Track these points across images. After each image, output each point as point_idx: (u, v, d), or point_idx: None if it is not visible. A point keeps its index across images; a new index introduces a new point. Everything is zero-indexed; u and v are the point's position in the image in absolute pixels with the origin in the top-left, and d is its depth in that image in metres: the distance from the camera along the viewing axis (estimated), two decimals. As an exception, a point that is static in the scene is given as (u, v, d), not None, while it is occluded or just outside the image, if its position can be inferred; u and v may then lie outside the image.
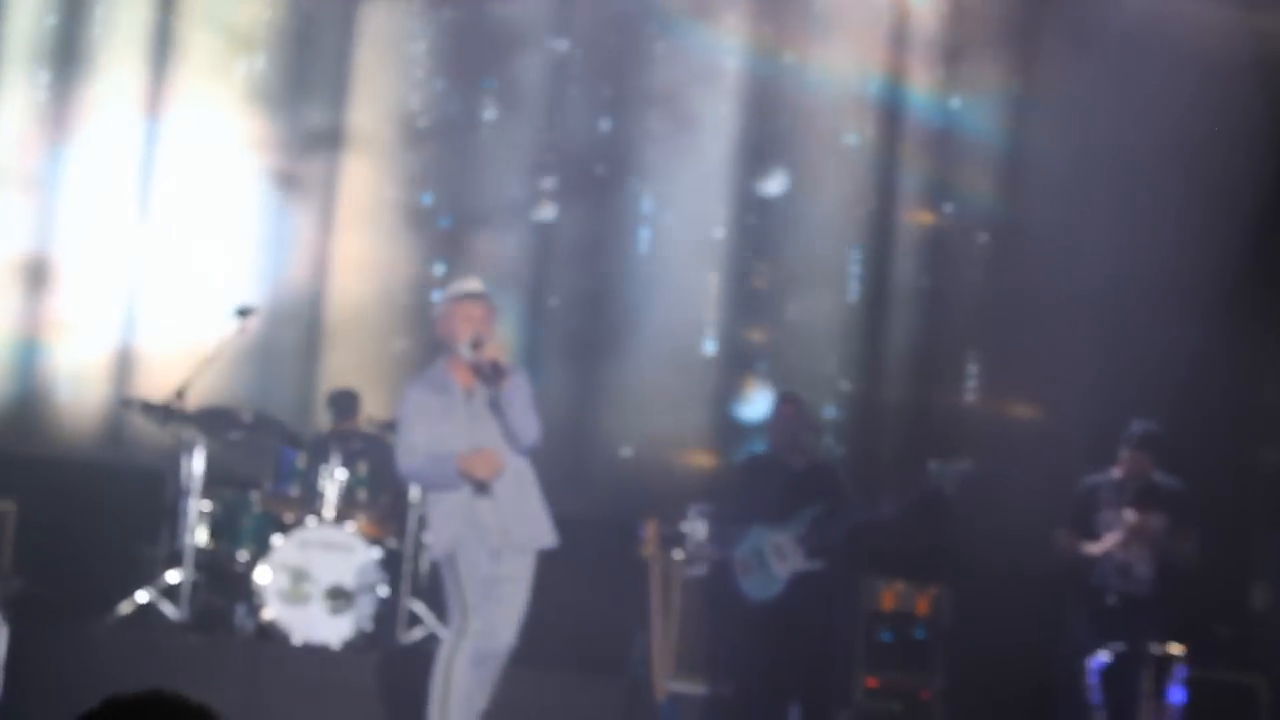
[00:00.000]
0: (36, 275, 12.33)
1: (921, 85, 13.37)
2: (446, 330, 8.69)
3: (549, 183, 13.28)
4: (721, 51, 13.03)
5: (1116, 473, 10.23)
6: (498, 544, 8.48)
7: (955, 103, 13.34)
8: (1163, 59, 11.86)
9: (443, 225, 13.14)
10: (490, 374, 8.45)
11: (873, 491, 10.68)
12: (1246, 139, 11.89)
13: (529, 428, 8.59)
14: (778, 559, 10.15)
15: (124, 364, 12.37)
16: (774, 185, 13.29)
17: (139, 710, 3.14)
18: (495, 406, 8.50)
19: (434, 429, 8.58)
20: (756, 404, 12.20)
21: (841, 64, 13.30)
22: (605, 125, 13.37)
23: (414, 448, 8.68)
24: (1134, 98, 11.88)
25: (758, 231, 13.39)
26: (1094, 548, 10.12)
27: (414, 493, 10.81)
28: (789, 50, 13.26)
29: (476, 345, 8.47)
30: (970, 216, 13.30)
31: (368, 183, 12.89)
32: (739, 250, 13.28)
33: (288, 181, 12.91)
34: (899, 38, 13.36)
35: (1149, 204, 11.85)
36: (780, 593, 10.17)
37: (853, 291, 13.41)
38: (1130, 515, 10.07)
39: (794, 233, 13.18)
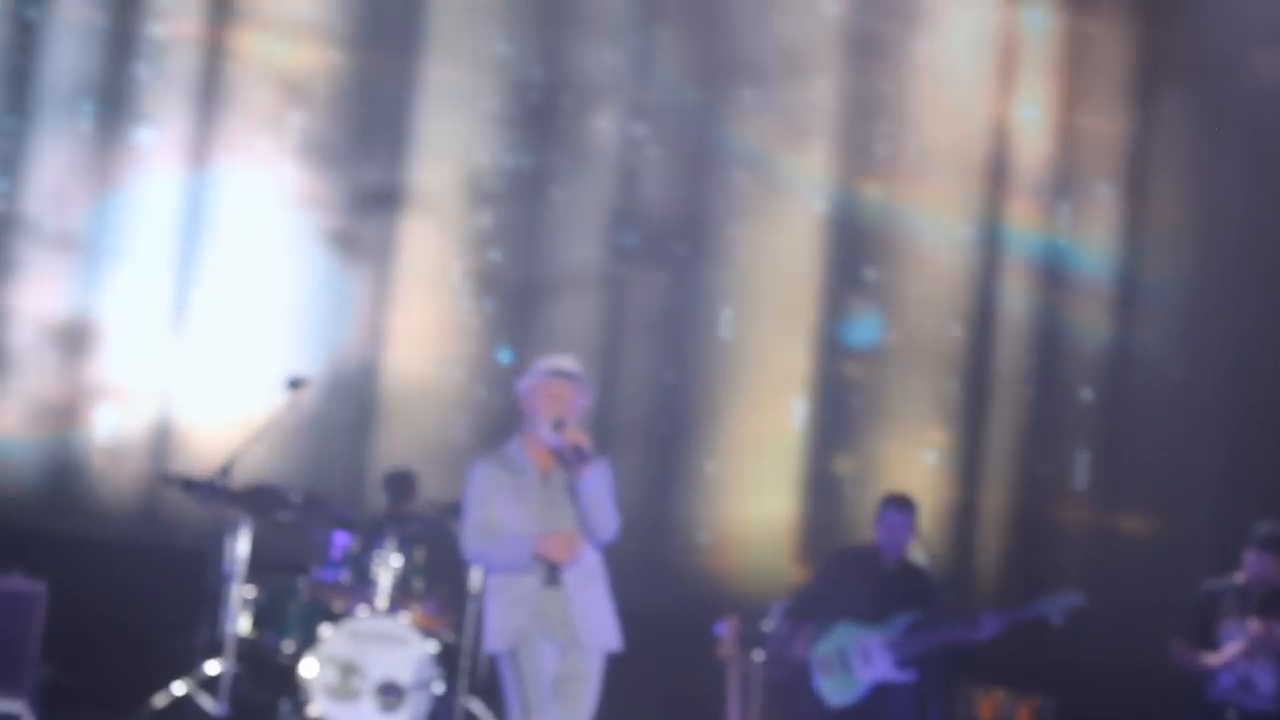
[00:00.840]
0: (75, 339, 12.21)
1: (1023, 220, 13.49)
2: (530, 407, 8.30)
3: (624, 249, 13.04)
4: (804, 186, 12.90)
5: (1240, 578, 9.90)
6: (564, 639, 8.06)
7: (1062, 240, 13.53)
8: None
9: (508, 293, 13.04)
10: (572, 458, 8.09)
11: (971, 607, 10.51)
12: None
13: (608, 519, 8.22)
14: (862, 662, 9.94)
15: (165, 436, 12.28)
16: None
17: None
18: (573, 493, 8.12)
19: (505, 510, 8.23)
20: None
21: (935, 198, 13.20)
22: (684, 191, 13.07)
23: (483, 526, 8.29)
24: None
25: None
26: (1214, 658, 9.74)
27: (475, 582, 10.70)
28: (875, 183, 13.22)
29: (559, 427, 8.13)
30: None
31: (428, 246, 12.79)
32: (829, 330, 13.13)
33: (344, 243, 12.81)
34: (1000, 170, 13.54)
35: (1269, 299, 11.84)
36: (860, 699, 9.96)
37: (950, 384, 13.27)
38: (1255, 624, 9.66)
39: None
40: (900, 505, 10.35)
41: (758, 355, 13.30)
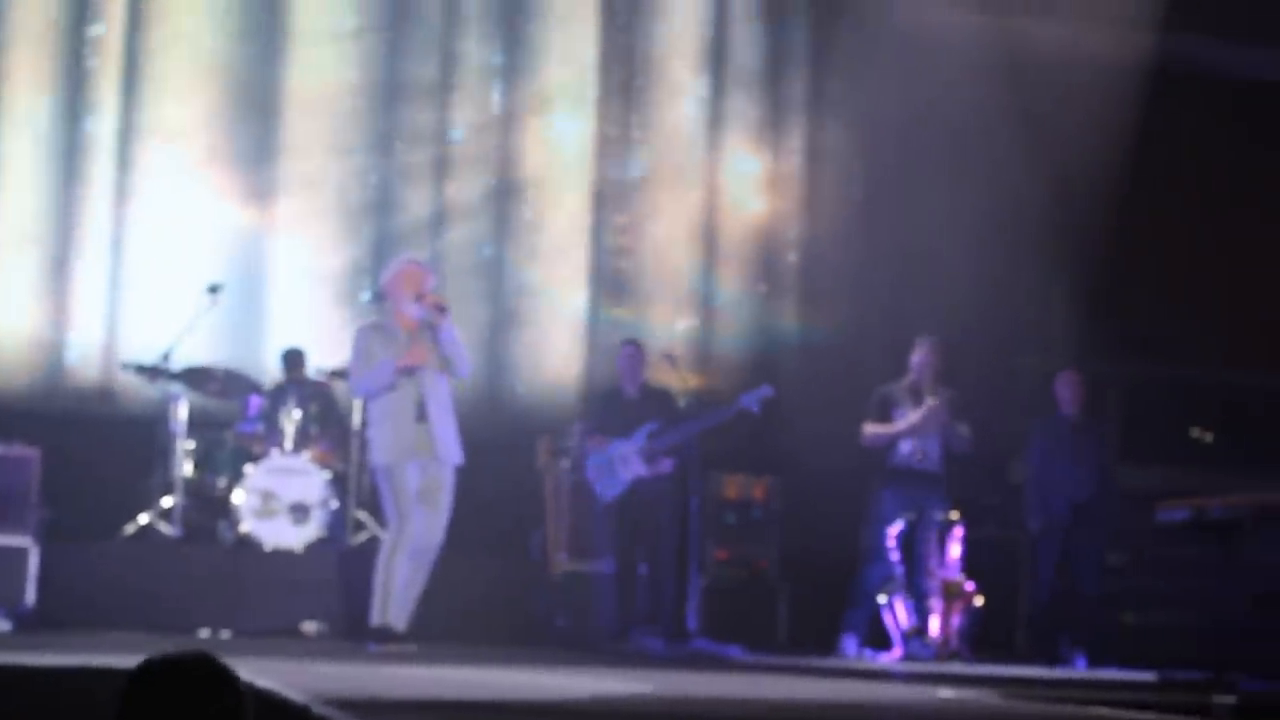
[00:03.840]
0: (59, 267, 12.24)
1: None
2: (393, 290, 9.49)
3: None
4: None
5: (906, 380, 11.09)
6: (425, 458, 9.20)
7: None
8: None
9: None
10: (433, 314, 9.23)
11: (698, 412, 11.12)
12: (1004, 124, 12.54)
13: (463, 359, 9.39)
14: (622, 465, 10.77)
15: (117, 335, 12.31)
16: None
17: (173, 671, 3.24)
18: (435, 337, 9.23)
19: (383, 355, 9.28)
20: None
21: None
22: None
23: (362, 369, 9.38)
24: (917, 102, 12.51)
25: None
26: (898, 426, 10.86)
27: (357, 424, 11.28)
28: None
29: (420, 298, 9.33)
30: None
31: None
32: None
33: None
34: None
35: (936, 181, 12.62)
36: (623, 492, 10.82)
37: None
38: (930, 400, 10.86)
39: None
40: (631, 344, 11.28)
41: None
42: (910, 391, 11.00)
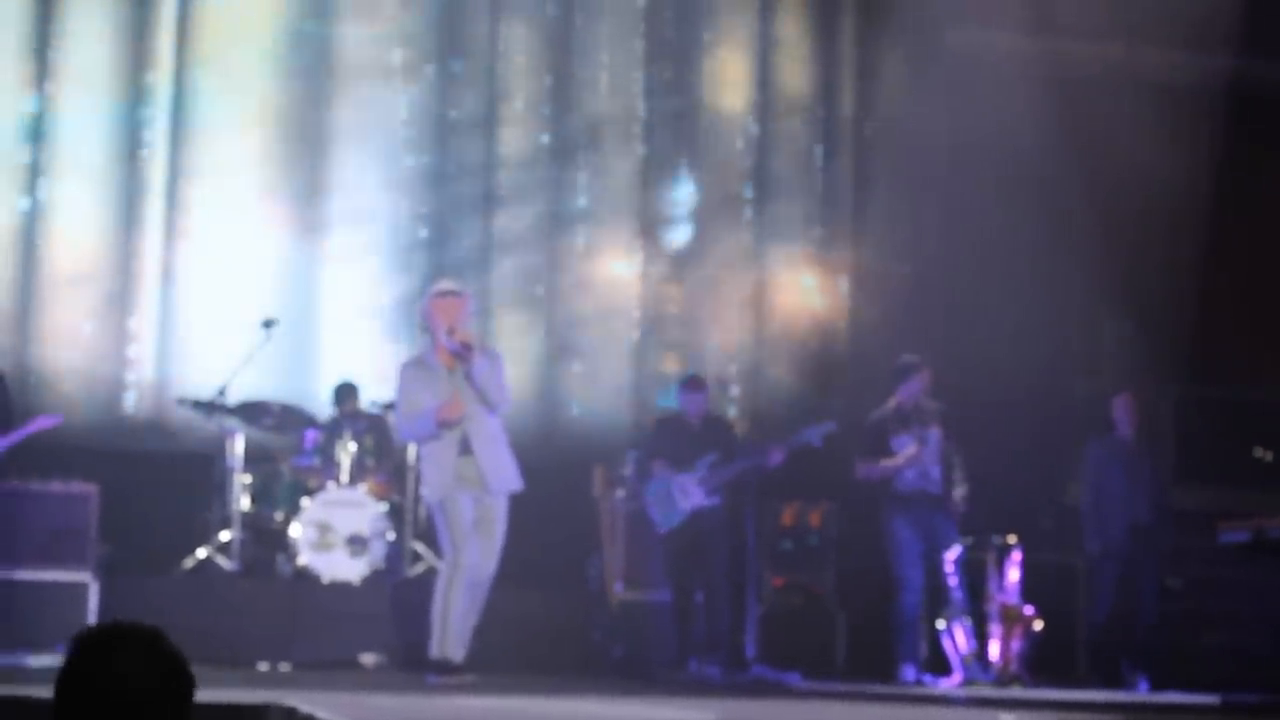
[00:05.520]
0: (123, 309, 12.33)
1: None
2: (430, 322, 9.33)
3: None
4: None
5: (893, 403, 10.93)
6: (477, 491, 9.16)
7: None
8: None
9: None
10: (463, 352, 9.09)
11: (758, 444, 11.14)
12: (1051, 146, 12.42)
13: (500, 395, 9.23)
14: (681, 495, 10.73)
15: (170, 369, 12.36)
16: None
17: (100, 640, 3.12)
18: (470, 378, 9.14)
19: (423, 397, 9.20)
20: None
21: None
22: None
23: (407, 413, 9.31)
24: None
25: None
26: (896, 461, 10.75)
27: (411, 458, 11.27)
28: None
29: (451, 332, 9.13)
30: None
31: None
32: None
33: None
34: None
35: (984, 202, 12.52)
36: (682, 522, 10.80)
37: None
38: (934, 430, 10.75)
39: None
40: (691, 386, 11.18)
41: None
42: (900, 417, 10.91)
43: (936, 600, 10.83)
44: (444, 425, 9.16)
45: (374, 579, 11.11)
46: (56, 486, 10.55)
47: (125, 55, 12.41)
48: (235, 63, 12.55)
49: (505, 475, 9.31)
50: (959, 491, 10.82)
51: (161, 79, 12.51)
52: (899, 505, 10.84)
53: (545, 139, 13.30)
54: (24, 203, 12.34)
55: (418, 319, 9.68)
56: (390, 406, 11.25)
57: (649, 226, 13.33)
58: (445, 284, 9.58)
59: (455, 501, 9.17)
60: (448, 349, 9.19)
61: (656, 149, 13.37)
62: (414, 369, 9.40)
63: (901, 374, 10.94)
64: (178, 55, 12.47)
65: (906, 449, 10.82)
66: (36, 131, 12.25)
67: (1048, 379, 12.73)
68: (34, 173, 12.28)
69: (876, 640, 11.15)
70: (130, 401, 12.38)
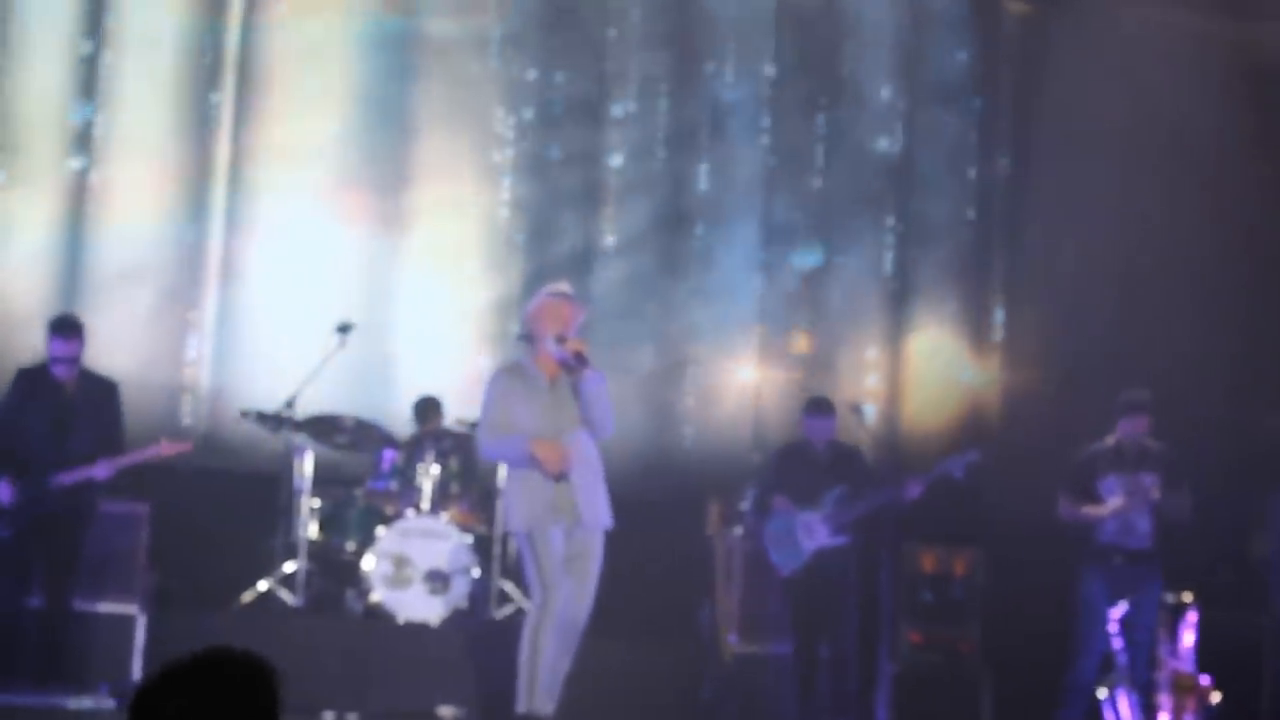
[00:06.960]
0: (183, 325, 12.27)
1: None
2: (536, 326, 8.92)
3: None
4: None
5: (1111, 440, 10.43)
6: (570, 523, 8.73)
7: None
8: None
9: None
10: (574, 363, 8.70)
11: (893, 476, 10.71)
12: (1238, 142, 12.09)
13: (605, 417, 8.84)
14: (805, 535, 10.43)
15: (230, 379, 12.29)
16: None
17: (193, 671, 3.08)
18: (577, 393, 8.76)
19: (519, 410, 8.80)
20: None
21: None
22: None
23: (494, 426, 8.88)
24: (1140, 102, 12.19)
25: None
26: (1101, 510, 10.29)
27: (501, 481, 10.86)
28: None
29: (561, 340, 8.75)
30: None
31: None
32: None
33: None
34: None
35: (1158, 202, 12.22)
36: (805, 564, 10.44)
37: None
38: (1146, 478, 10.24)
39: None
40: (816, 410, 10.79)
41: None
42: (1116, 457, 10.41)
43: (1102, 666, 10.28)
44: (536, 464, 8.80)
45: (454, 620, 10.86)
46: (101, 505, 10.10)
47: (192, 19, 12.33)
48: (312, 31, 12.37)
49: (601, 509, 8.91)
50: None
51: (228, 45, 12.36)
52: (1094, 558, 10.41)
53: (662, 124, 13.09)
54: (73, 184, 12.22)
55: (524, 324, 9.24)
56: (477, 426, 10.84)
57: (775, 226, 13.10)
58: (561, 285, 9.20)
59: (544, 534, 8.76)
60: (555, 358, 8.79)
61: (785, 138, 13.07)
62: (509, 377, 8.94)
63: (1124, 410, 10.50)
64: (244, 19, 12.37)
65: (1114, 498, 10.37)
66: (89, 104, 12.13)
67: (1232, 414, 12.20)
68: (85, 151, 12.19)
69: (1027, 706, 10.78)
70: (185, 412, 12.35)
